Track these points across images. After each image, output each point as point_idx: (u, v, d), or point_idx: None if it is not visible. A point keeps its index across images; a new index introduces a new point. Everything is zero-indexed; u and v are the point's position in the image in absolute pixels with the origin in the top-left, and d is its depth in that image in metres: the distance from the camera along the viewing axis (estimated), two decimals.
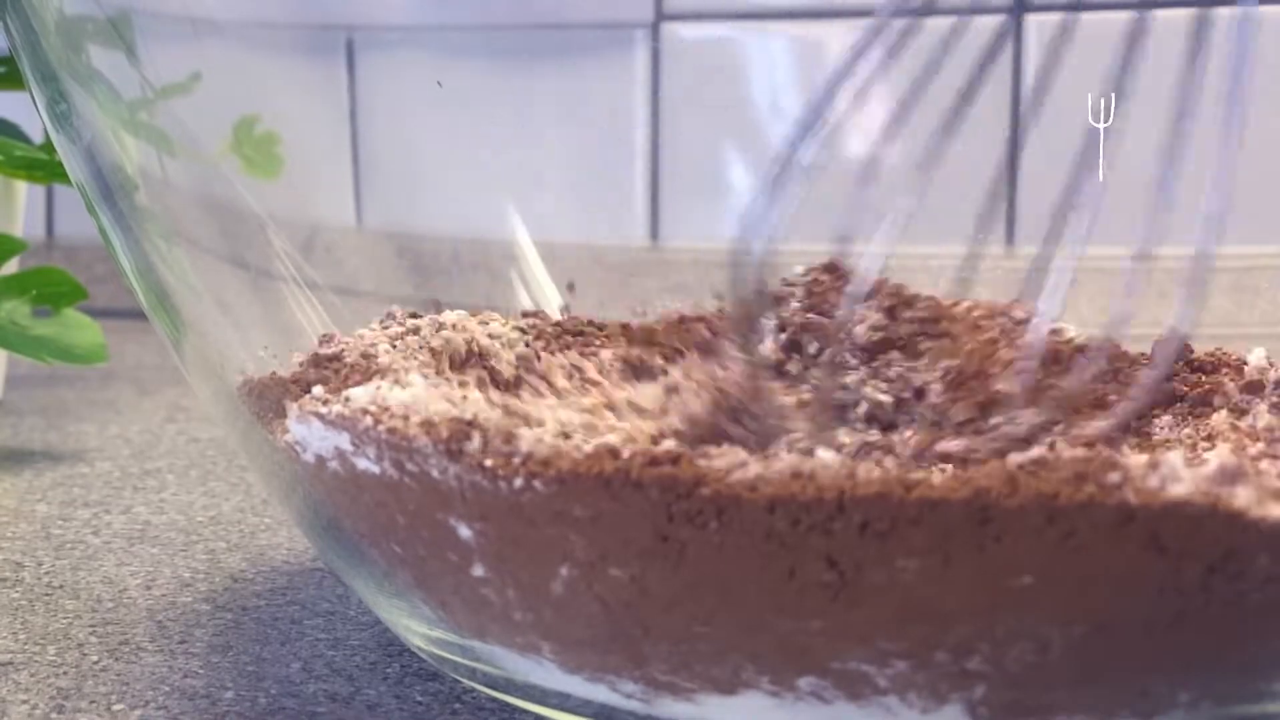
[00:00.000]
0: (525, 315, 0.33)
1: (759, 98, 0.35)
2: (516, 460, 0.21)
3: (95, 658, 0.25)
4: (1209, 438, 0.29)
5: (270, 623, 0.27)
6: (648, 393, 0.27)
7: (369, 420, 0.22)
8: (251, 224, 0.30)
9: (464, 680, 0.24)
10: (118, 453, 0.43)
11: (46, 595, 0.29)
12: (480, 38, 0.36)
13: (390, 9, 0.36)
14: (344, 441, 0.22)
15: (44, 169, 0.45)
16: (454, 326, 0.31)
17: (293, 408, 0.23)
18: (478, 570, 0.22)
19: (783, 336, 0.30)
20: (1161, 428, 0.31)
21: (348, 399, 0.22)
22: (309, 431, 0.23)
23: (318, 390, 0.23)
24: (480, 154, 0.36)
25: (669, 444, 0.22)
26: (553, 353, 0.32)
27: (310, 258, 0.32)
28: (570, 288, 0.35)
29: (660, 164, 0.37)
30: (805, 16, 0.36)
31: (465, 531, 0.22)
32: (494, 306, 0.33)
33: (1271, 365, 0.32)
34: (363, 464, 0.22)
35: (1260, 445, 0.27)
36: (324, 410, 0.22)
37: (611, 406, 0.28)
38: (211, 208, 0.30)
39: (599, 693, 0.23)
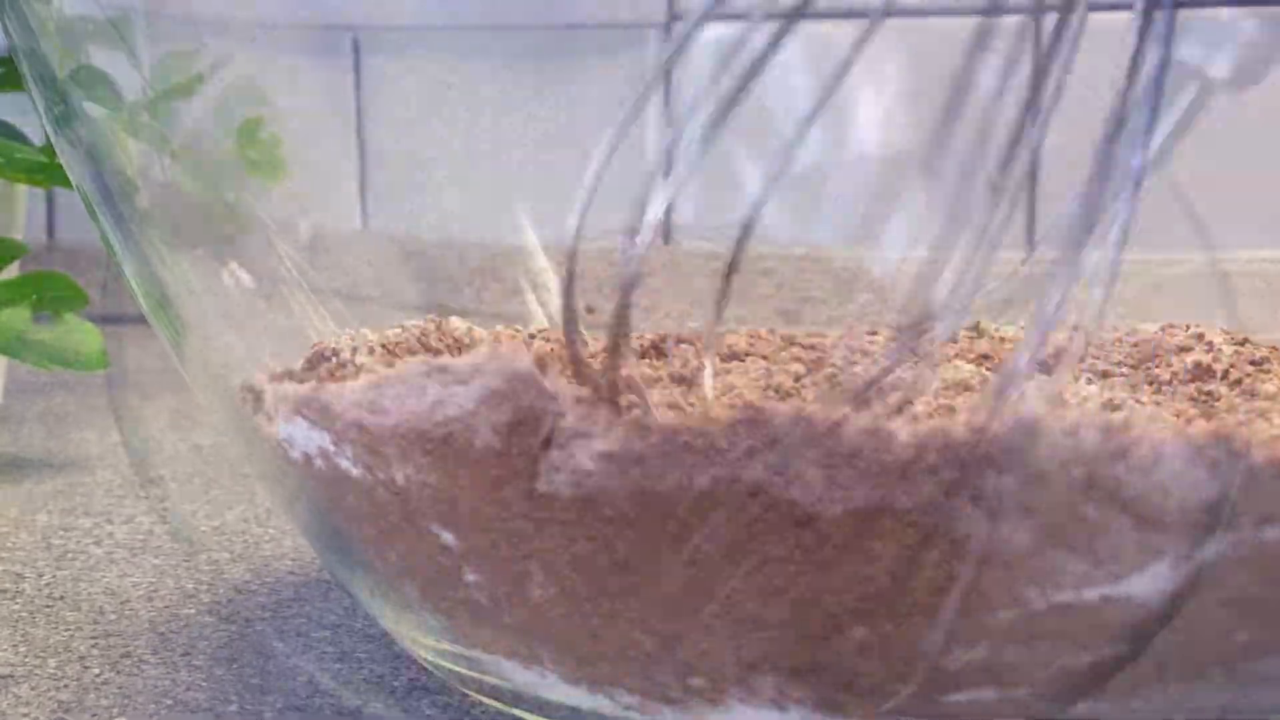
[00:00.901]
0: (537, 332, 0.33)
1: (773, 99, 0.35)
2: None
3: (97, 671, 0.25)
4: None
5: (275, 635, 0.27)
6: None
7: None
8: (254, 228, 0.30)
9: (472, 694, 0.24)
10: (120, 461, 0.43)
11: (47, 607, 0.28)
12: (490, 39, 0.35)
13: (398, 10, 0.35)
14: (326, 441, 0.22)
15: (45, 172, 0.44)
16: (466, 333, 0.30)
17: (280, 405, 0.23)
18: (469, 576, 0.22)
19: None
20: None
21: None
22: (294, 429, 0.23)
23: (306, 387, 0.23)
24: (489, 157, 0.35)
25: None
26: None
27: (314, 261, 0.31)
28: (589, 310, 0.34)
29: (673, 166, 0.37)
30: (821, 17, 0.35)
31: (448, 537, 0.21)
32: (501, 313, 0.33)
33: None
34: (344, 464, 0.22)
35: None
36: (307, 409, 0.22)
37: None
38: (213, 211, 0.29)
39: (602, 704, 0.22)
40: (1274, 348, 0.32)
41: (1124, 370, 0.33)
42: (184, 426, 0.48)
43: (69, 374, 0.43)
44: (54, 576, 0.30)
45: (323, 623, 0.28)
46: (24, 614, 0.28)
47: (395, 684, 0.24)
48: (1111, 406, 0.28)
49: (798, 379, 0.31)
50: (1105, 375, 0.32)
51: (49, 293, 0.43)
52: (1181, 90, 0.26)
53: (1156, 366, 0.33)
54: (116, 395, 0.48)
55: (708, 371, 0.29)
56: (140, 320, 0.28)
